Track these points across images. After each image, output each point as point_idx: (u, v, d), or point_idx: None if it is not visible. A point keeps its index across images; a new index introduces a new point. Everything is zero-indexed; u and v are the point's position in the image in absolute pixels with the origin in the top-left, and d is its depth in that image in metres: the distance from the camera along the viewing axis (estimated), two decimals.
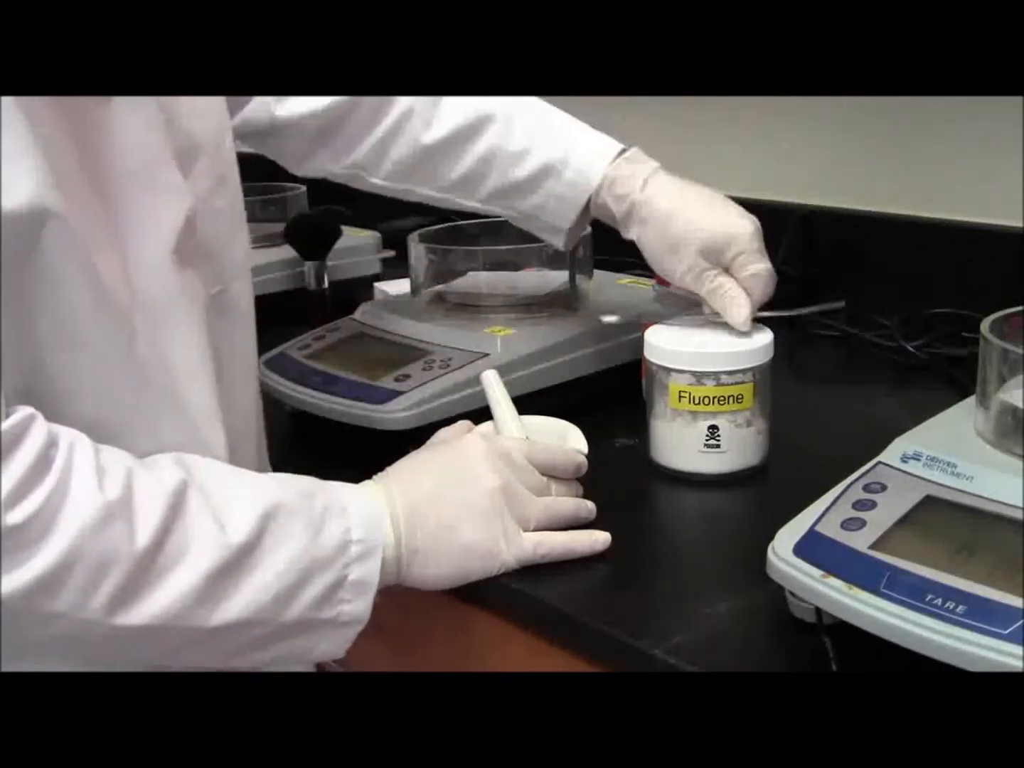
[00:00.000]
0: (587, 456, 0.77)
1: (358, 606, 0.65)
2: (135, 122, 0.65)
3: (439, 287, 1.02)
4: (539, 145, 0.88)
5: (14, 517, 0.55)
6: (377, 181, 0.92)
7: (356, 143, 0.91)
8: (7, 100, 0.56)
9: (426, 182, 0.91)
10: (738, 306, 0.83)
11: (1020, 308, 0.68)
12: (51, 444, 0.57)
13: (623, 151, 0.88)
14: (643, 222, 0.86)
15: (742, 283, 0.84)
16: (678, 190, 0.87)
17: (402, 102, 0.89)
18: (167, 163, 0.67)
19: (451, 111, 0.89)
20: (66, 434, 0.59)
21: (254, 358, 0.80)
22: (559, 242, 0.92)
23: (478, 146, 0.89)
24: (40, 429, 0.57)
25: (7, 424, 0.56)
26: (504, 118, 0.89)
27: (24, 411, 0.57)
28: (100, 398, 0.63)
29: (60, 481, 0.57)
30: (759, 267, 0.84)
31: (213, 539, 0.60)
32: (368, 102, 0.89)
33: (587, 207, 0.89)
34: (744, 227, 0.84)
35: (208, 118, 0.75)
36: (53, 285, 0.59)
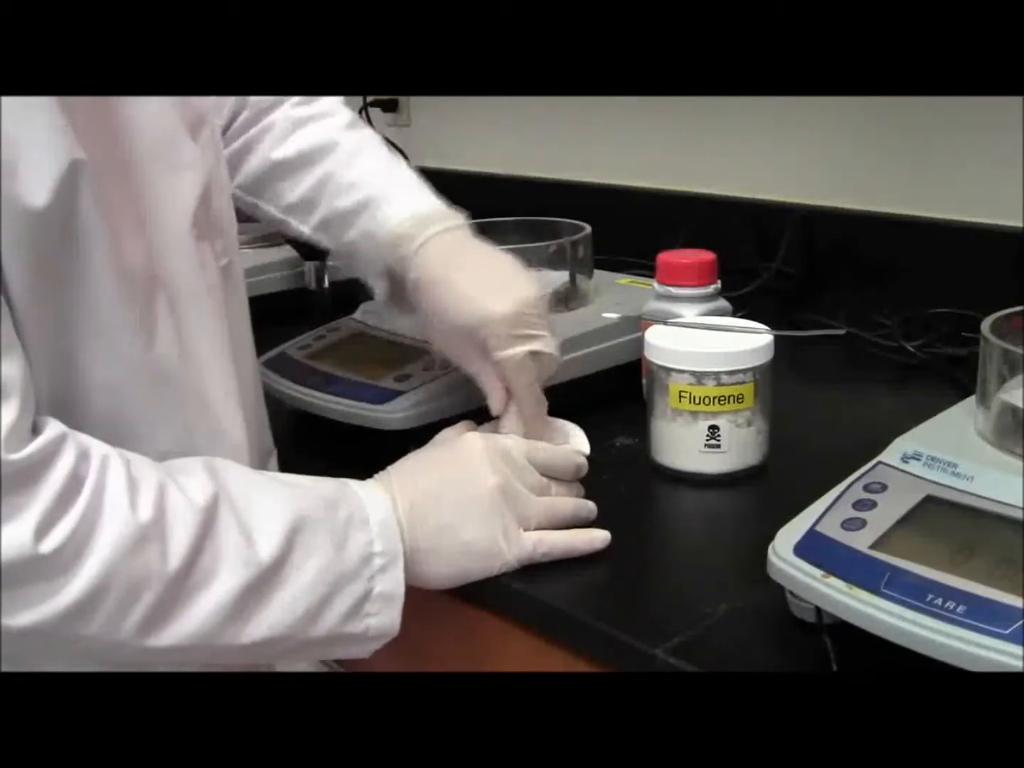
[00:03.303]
0: (589, 457, 0.77)
1: (384, 619, 0.65)
2: (153, 100, 0.65)
3: None
4: (368, 182, 0.85)
5: (47, 545, 0.54)
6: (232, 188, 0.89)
7: (227, 144, 0.89)
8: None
9: (271, 200, 0.89)
10: (491, 395, 0.79)
11: (1020, 308, 0.68)
12: (82, 458, 0.56)
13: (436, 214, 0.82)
14: (415, 287, 0.80)
15: (498, 367, 0.77)
16: (452, 256, 0.80)
17: (274, 115, 0.88)
18: (184, 137, 0.68)
19: (306, 133, 0.87)
20: (97, 448, 0.58)
21: (251, 334, 0.80)
22: (381, 290, 0.86)
23: (316, 171, 0.87)
24: (71, 447, 0.56)
25: (36, 445, 0.55)
26: (348, 150, 0.87)
27: (54, 429, 0.56)
28: (124, 389, 0.62)
29: (92, 502, 0.56)
30: (505, 354, 0.76)
31: (242, 556, 0.60)
32: (254, 104, 0.88)
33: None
34: (498, 308, 0.76)
35: None
36: (84, 275, 0.59)
